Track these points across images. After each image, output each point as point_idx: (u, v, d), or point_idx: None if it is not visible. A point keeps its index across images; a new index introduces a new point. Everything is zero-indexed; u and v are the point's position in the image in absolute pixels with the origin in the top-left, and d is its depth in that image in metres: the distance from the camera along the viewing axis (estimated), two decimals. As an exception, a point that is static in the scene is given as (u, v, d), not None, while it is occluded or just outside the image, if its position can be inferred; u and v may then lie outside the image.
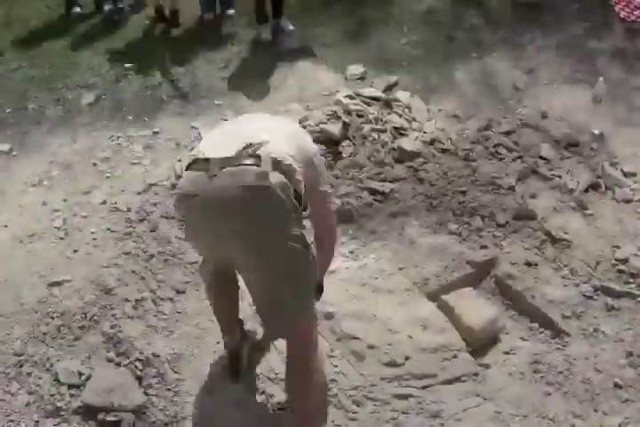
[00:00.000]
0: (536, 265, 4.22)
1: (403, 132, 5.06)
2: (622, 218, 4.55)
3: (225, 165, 2.64)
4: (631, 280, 4.10)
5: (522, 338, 3.89)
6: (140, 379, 3.54)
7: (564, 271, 4.18)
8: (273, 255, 2.73)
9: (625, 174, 4.91)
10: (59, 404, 3.41)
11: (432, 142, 4.98)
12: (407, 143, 4.95)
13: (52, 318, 3.84)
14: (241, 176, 2.62)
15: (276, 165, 2.66)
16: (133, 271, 4.14)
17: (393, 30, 6.83)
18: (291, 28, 6.85)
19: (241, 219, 2.65)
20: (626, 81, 5.99)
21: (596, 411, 3.46)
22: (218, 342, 3.57)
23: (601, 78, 5.90)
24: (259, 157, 2.64)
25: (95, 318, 3.84)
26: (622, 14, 7.09)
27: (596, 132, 5.22)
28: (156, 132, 5.42)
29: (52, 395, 3.45)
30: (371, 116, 5.06)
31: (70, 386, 3.48)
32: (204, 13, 7.16)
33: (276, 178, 2.63)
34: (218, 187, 2.63)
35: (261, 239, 2.69)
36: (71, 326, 3.79)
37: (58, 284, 4.02)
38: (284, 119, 3.33)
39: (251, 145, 2.68)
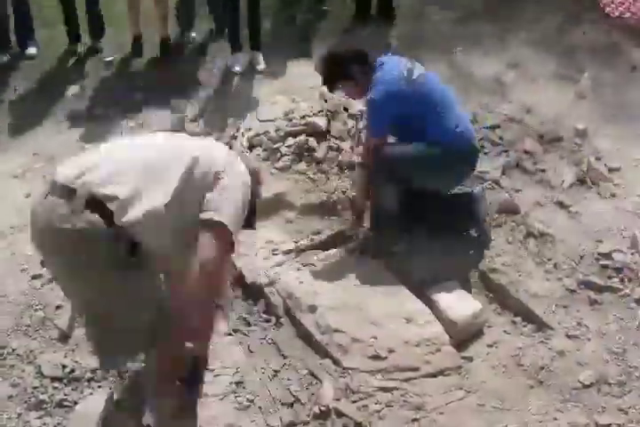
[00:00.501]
0: (519, 259, 4.24)
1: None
2: (606, 213, 4.58)
3: (52, 192, 2.41)
4: (614, 275, 4.12)
5: (505, 332, 3.90)
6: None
7: (548, 266, 4.20)
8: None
9: (609, 169, 4.93)
10: (42, 397, 3.39)
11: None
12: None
13: (36, 310, 3.82)
14: (52, 209, 2.38)
15: (92, 203, 2.36)
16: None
17: (378, 24, 6.82)
18: (261, 66, 6.22)
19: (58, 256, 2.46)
20: (610, 76, 6.01)
21: (577, 405, 3.49)
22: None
23: (585, 74, 5.94)
24: (74, 191, 2.37)
25: (79, 310, 3.82)
26: (607, 10, 7.12)
27: (580, 127, 5.24)
28: (140, 125, 5.38)
29: (34, 388, 3.43)
30: (356, 110, 5.04)
31: (53, 379, 3.47)
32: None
33: (82, 220, 2.34)
34: (42, 213, 2.42)
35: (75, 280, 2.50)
36: (54, 319, 3.76)
37: (41, 276, 3.99)
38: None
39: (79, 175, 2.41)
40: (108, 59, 6.29)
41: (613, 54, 6.32)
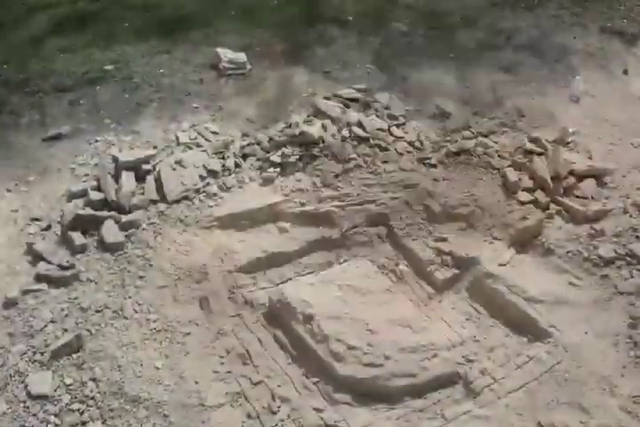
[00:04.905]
0: (517, 263, 4.23)
1: (382, 133, 5.05)
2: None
3: None
4: (609, 275, 4.12)
5: (503, 335, 3.90)
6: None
7: (544, 269, 4.19)
8: None
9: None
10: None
11: (412, 144, 4.97)
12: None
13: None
14: None
15: None
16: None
17: (371, 31, 6.81)
18: None
19: None
20: (602, 79, 6.01)
21: (581, 404, 3.49)
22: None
23: (578, 77, 5.94)
24: None
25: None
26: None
27: (573, 129, 5.23)
28: (134, 136, 5.35)
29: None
30: (350, 119, 5.03)
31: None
32: None
33: None
34: None
35: None
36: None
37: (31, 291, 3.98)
38: None
39: None
40: None
41: (605, 58, 6.31)
